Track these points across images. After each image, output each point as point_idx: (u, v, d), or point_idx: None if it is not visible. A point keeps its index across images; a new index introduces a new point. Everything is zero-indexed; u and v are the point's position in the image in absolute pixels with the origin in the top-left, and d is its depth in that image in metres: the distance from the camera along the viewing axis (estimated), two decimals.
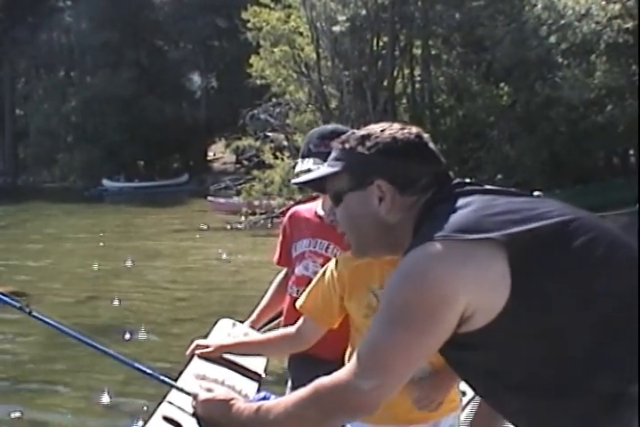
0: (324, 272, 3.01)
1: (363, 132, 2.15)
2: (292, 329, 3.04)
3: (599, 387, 1.82)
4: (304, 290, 3.11)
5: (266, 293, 4.11)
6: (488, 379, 1.94)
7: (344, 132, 2.53)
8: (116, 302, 13.80)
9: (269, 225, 24.12)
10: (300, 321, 3.04)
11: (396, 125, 2.15)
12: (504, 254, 1.81)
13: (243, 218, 25.27)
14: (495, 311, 1.81)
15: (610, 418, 1.83)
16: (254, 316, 4.00)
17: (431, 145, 2.13)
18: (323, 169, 2.23)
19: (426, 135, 2.15)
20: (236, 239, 22.97)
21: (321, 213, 3.55)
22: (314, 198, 4.05)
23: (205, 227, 26.15)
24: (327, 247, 3.46)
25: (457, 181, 2.08)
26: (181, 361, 3.08)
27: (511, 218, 1.86)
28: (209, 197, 29.96)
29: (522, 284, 1.80)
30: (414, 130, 2.13)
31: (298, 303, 3.05)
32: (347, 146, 2.14)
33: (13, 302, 2.97)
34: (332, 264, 3.01)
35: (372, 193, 2.07)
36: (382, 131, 2.12)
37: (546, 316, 1.82)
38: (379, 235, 2.12)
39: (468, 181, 2.08)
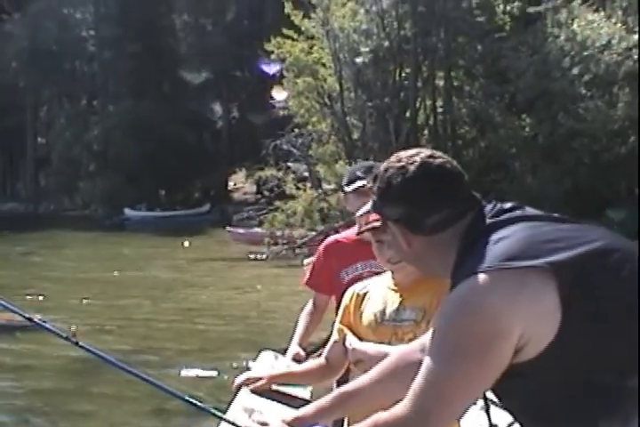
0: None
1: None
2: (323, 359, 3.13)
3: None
4: None
5: (296, 323, 4.16)
6: (529, 406, 1.93)
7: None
8: (139, 333, 13.75)
9: (292, 255, 24.08)
10: (326, 350, 3.13)
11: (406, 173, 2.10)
12: (554, 283, 1.80)
13: (265, 248, 25.21)
14: (546, 342, 1.81)
15: None
16: (294, 349, 4.01)
17: (442, 177, 2.09)
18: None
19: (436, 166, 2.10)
20: (259, 270, 22.93)
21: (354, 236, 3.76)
22: (348, 226, 4.18)
23: (227, 257, 26.13)
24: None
25: (502, 206, 2.04)
26: (213, 393, 3.08)
27: (559, 246, 1.85)
28: (228, 228, 29.69)
29: (572, 313, 1.80)
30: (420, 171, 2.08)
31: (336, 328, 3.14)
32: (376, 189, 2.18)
33: (59, 332, 2.99)
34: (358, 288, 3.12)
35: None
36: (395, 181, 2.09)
37: (594, 345, 1.81)
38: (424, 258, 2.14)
39: (511, 205, 2.05)
